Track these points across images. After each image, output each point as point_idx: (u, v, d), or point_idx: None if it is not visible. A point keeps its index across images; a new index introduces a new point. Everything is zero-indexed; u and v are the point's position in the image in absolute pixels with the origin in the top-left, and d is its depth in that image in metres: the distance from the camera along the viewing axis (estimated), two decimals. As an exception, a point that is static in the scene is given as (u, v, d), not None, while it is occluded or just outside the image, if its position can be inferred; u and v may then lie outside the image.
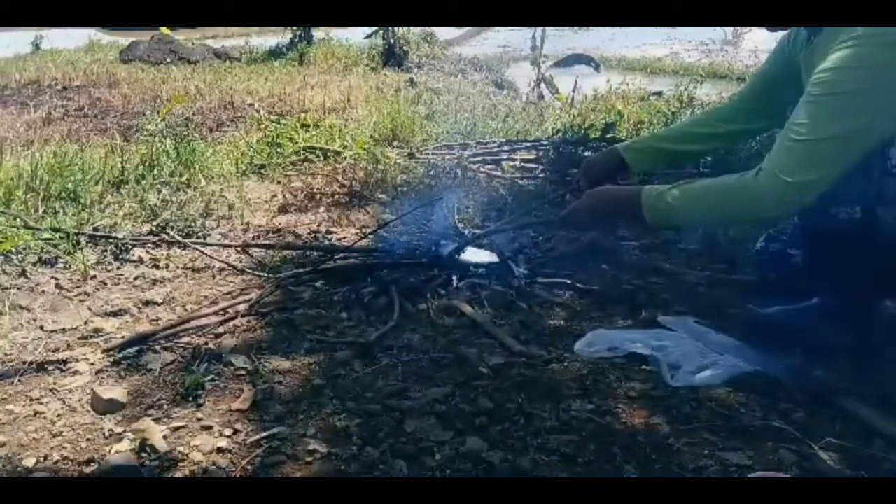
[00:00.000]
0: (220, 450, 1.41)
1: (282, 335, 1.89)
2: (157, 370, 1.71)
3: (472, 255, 2.31)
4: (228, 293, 2.15)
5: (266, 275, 2.26)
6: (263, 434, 1.45)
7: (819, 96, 1.44)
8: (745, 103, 1.98)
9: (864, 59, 1.40)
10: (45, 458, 1.39)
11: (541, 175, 3.26)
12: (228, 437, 1.45)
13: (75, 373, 1.70)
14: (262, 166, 3.56)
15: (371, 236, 2.53)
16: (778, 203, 1.48)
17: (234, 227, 2.75)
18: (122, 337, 1.86)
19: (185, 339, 1.86)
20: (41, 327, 1.95)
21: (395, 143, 4.02)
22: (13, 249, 2.31)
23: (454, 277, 2.19)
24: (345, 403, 1.56)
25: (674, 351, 1.71)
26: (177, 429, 1.48)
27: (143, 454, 1.39)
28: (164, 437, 1.43)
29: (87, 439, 1.45)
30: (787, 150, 1.46)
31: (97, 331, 1.92)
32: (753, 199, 1.50)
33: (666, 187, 1.66)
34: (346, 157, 3.62)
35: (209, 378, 1.65)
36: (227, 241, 2.59)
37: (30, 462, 1.38)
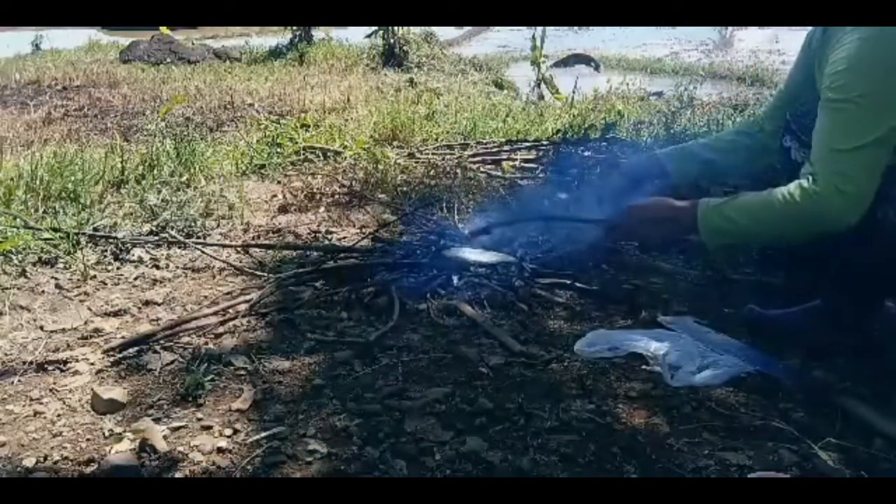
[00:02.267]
0: (220, 450, 1.41)
1: (282, 335, 1.89)
2: (157, 370, 1.71)
3: (474, 254, 2.30)
4: (228, 293, 2.15)
5: (266, 275, 2.26)
6: (263, 434, 1.45)
7: (844, 102, 1.43)
8: (779, 110, 1.89)
9: (875, 56, 1.40)
10: (45, 458, 1.39)
11: (541, 175, 3.25)
12: (228, 437, 1.45)
13: (75, 373, 1.70)
14: (262, 166, 3.56)
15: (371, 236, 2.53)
16: (846, 215, 1.45)
17: (234, 227, 2.75)
18: (122, 337, 1.86)
19: (185, 339, 1.86)
20: (41, 327, 1.95)
21: (395, 143, 4.01)
22: (13, 249, 2.31)
23: (454, 277, 2.19)
24: (345, 403, 1.56)
25: (674, 351, 1.71)
26: (177, 429, 1.48)
27: (143, 454, 1.39)
28: (164, 437, 1.43)
29: (87, 439, 1.45)
30: (835, 161, 1.44)
31: (97, 331, 1.92)
32: (818, 215, 1.46)
33: (721, 201, 1.61)
34: (346, 157, 3.62)
35: (209, 378, 1.65)
36: (227, 241, 2.59)
37: (30, 462, 1.38)
